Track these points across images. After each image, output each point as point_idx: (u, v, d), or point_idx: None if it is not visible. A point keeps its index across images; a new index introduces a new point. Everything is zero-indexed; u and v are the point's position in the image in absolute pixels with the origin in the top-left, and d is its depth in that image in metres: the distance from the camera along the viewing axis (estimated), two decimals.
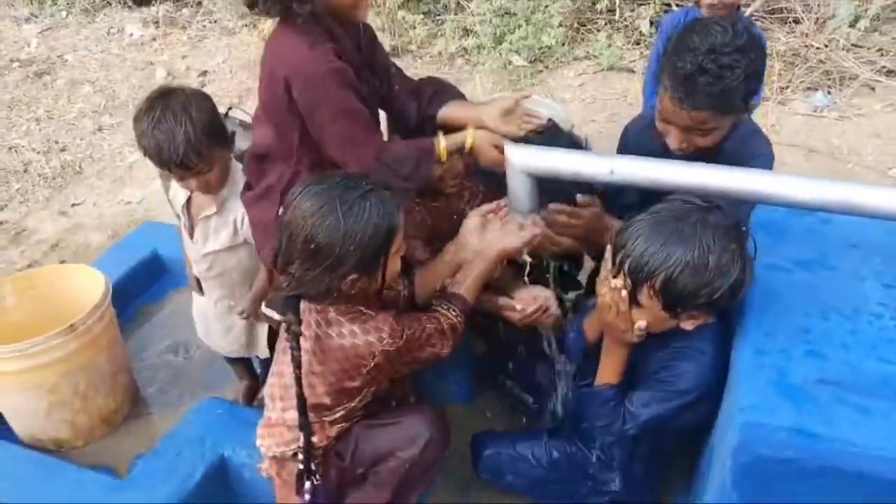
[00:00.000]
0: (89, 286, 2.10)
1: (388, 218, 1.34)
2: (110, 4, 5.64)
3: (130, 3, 5.56)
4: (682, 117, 1.52)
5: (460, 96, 1.77)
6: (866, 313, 1.34)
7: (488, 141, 1.59)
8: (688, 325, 1.36)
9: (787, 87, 3.80)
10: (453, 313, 1.53)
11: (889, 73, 3.81)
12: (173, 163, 1.69)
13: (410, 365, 1.53)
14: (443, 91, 1.76)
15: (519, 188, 1.51)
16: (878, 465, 1.09)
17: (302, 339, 1.43)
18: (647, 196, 1.47)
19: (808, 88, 3.81)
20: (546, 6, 4.26)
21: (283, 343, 1.59)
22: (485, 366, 2.12)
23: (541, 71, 4.16)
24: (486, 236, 1.57)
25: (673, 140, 1.58)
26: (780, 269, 1.47)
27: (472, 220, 1.61)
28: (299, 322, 1.41)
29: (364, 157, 1.55)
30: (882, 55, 3.90)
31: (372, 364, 1.44)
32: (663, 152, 1.64)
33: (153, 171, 3.52)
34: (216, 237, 1.86)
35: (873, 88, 3.79)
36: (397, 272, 1.45)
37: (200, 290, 2.02)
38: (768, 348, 1.27)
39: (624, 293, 1.33)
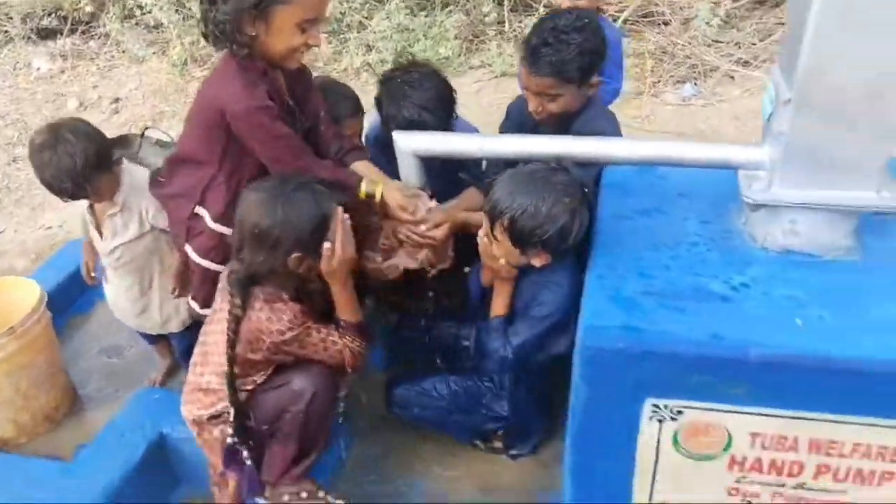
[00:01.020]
0: (23, 297, 2.25)
1: (320, 205, 1.61)
2: (13, 40, 5.65)
3: (34, 38, 5.60)
4: (533, 83, 1.89)
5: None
6: (686, 243, 1.67)
7: (397, 199, 1.81)
8: (536, 262, 1.71)
9: (659, 82, 4.26)
10: (350, 339, 1.76)
11: (745, 63, 4.34)
12: (65, 194, 2.00)
13: (314, 356, 1.74)
14: (361, 149, 2.03)
15: (408, 168, 1.79)
16: (689, 348, 1.41)
17: (227, 315, 1.67)
18: None
19: (678, 81, 4.28)
20: (441, 21, 4.62)
21: (212, 314, 1.82)
22: (398, 336, 2.40)
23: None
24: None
25: (531, 104, 1.95)
26: (623, 217, 1.79)
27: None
28: (242, 306, 1.65)
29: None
30: (738, 48, 4.43)
31: (268, 342, 1.66)
32: (533, 122, 2.01)
33: None
34: (125, 231, 2.11)
35: (733, 77, 4.30)
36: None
37: (91, 277, 2.32)
38: (608, 274, 1.59)
39: (485, 230, 1.66)
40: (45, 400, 2.25)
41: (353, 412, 2.18)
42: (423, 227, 1.84)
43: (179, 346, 2.36)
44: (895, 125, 1.42)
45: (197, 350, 1.82)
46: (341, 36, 4.78)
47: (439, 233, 1.85)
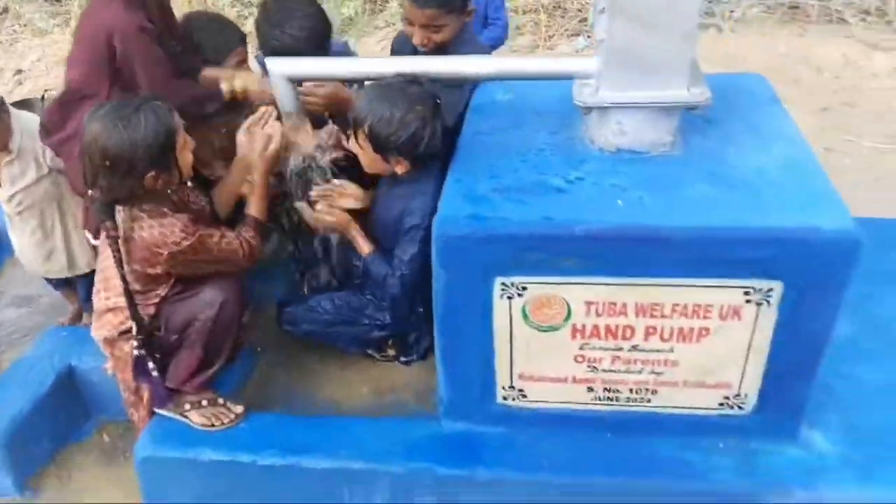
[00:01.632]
0: None
1: (163, 122, 1.70)
2: None
3: None
4: (418, 16, 2.04)
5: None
6: (534, 150, 1.88)
7: (253, 84, 2.02)
8: (399, 169, 1.89)
9: (553, 36, 4.49)
10: (246, 232, 1.91)
11: None
12: None
13: (210, 265, 1.87)
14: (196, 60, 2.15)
15: (282, 93, 1.94)
16: (525, 229, 1.62)
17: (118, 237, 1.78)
18: None
19: (571, 35, 4.53)
20: None
21: (103, 244, 1.93)
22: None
23: (345, 41, 4.61)
24: (248, 148, 1.95)
25: (416, 38, 2.11)
26: (484, 133, 1.99)
27: (239, 137, 1.98)
28: (115, 227, 1.76)
29: (168, 96, 1.88)
30: None
31: (166, 254, 1.76)
32: (415, 54, 2.17)
33: None
34: (22, 177, 2.20)
35: None
36: (190, 162, 1.82)
37: None
38: (464, 178, 1.79)
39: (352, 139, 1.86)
40: None
41: (258, 331, 2.32)
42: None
43: (83, 290, 2.46)
44: (692, 26, 1.65)
45: (97, 277, 1.93)
46: (246, 1, 4.83)
47: (320, 90, 1.99)
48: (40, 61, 4.79)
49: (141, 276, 1.83)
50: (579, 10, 4.58)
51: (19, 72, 4.68)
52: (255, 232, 1.93)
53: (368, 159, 1.92)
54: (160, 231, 1.76)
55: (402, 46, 2.37)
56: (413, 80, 1.84)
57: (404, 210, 1.97)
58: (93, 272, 2.32)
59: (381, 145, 1.86)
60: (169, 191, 1.82)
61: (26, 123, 2.17)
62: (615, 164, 1.79)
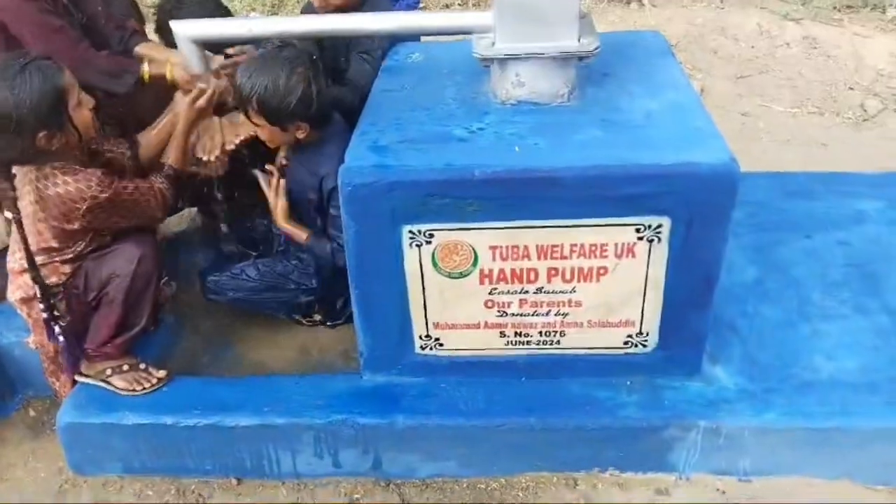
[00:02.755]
0: None
1: (50, 80, 1.67)
2: None
3: None
4: None
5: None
6: (441, 105, 1.94)
7: (182, 76, 1.97)
8: (300, 135, 1.93)
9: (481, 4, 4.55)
10: (160, 180, 1.92)
11: None
12: None
13: (127, 217, 1.87)
14: (142, 33, 2.18)
15: (189, 54, 1.95)
16: (427, 175, 1.68)
17: (26, 195, 1.78)
18: None
19: None
20: None
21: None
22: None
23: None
24: (185, 99, 1.97)
25: (316, 4, 2.16)
26: (391, 91, 2.04)
27: (177, 93, 2.01)
28: (13, 188, 1.75)
29: (80, 70, 1.84)
30: None
31: (84, 208, 1.76)
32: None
33: None
34: None
35: None
36: (88, 123, 1.79)
37: None
38: (370, 130, 1.84)
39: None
40: None
41: (181, 300, 2.34)
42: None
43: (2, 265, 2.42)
44: None
45: (10, 240, 1.92)
46: None
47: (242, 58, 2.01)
48: None
49: (58, 233, 1.82)
50: None
51: None
52: (169, 182, 1.94)
53: (268, 133, 1.95)
54: (76, 186, 1.76)
55: (309, 9, 2.39)
56: (284, 43, 1.88)
57: (318, 177, 2.00)
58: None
59: (274, 116, 1.89)
60: (77, 152, 1.81)
61: None
62: (515, 114, 1.86)
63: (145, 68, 1.98)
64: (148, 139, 2.03)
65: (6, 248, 2.34)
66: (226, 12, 2.35)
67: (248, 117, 1.93)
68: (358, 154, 1.74)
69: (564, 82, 1.88)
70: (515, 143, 1.74)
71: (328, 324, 2.34)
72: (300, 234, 2.08)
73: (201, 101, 1.98)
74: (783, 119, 3.71)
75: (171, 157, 1.99)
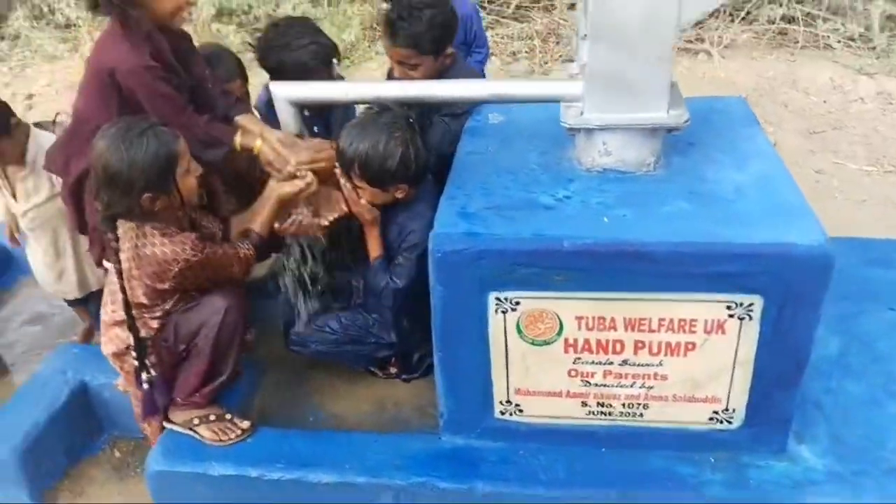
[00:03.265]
0: None
1: (165, 146, 1.78)
2: None
3: None
4: (393, 53, 2.18)
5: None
6: (526, 170, 1.97)
7: (267, 155, 2.03)
8: (399, 195, 1.99)
9: (548, 62, 4.62)
10: (245, 245, 2.00)
11: None
12: None
13: (212, 280, 1.96)
14: (245, 103, 2.30)
15: (286, 115, 2.03)
16: (516, 245, 1.70)
17: (125, 251, 1.87)
18: None
19: (565, 60, 4.65)
20: (345, 10, 4.87)
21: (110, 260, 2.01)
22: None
23: (348, 66, 4.74)
24: (276, 183, 2.05)
25: (396, 72, 2.24)
26: (477, 153, 2.08)
27: (271, 181, 2.05)
28: (117, 239, 1.85)
29: (183, 136, 1.95)
30: None
31: (177, 270, 1.86)
32: None
33: None
34: (36, 193, 2.29)
35: None
36: (193, 189, 1.90)
37: (16, 240, 2.45)
38: (457, 194, 1.87)
39: (344, 181, 1.95)
40: None
41: (263, 351, 2.40)
42: (305, 154, 2.02)
43: (95, 308, 2.53)
44: (668, 51, 1.74)
45: (105, 291, 2.02)
46: (250, 27, 4.97)
47: (322, 155, 2.05)
48: (50, 86, 4.93)
49: (149, 291, 1.91)
50: (572, 37, 4.71)
51: (30, 96, 4.81)
52: (255, 247, 2.02)
53: (370, 195, 2.01)
54: (171, 248, 1.85)
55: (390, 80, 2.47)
56: (382, 108, 1.95)
57: (402, 230, 2.06)
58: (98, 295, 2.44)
59: (376, 179, 1.96)
60: (179, 214, 1.90)
61: (44, 141, 2.26)
62: (601, 182, 1.87)
63: (237, 139, 2.06)
64: (242, 222, 2.09)
65: (96, 294, 2.48)
66: (331, 50, 2.40)
67: (350, 180, 2.00)
68: (447, 220, 1.78)
69: (651, 152, 1.89)
70: (603, 213, 1.76)
71: (404, 377, 2.37)
72: (377, 248, 2.12)
73: (291, 191, 2.02)
74: (858, 177, 3.63)
75: (257, 226, 2.05)
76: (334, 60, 2.41)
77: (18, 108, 4.61)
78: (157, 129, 1.79)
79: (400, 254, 2.11)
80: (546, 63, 4.58)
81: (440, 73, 2.30)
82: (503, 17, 4.90)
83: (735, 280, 1.66)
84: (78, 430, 2.31)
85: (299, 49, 2.30)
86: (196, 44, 2.22)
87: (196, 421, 2.04)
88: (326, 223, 2.15)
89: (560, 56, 4.64)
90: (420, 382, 2.37)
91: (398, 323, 2.21)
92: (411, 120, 1.96)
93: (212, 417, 2.05)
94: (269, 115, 2.41)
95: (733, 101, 2.30)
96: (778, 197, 1.78)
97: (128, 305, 1.87)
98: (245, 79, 2.50)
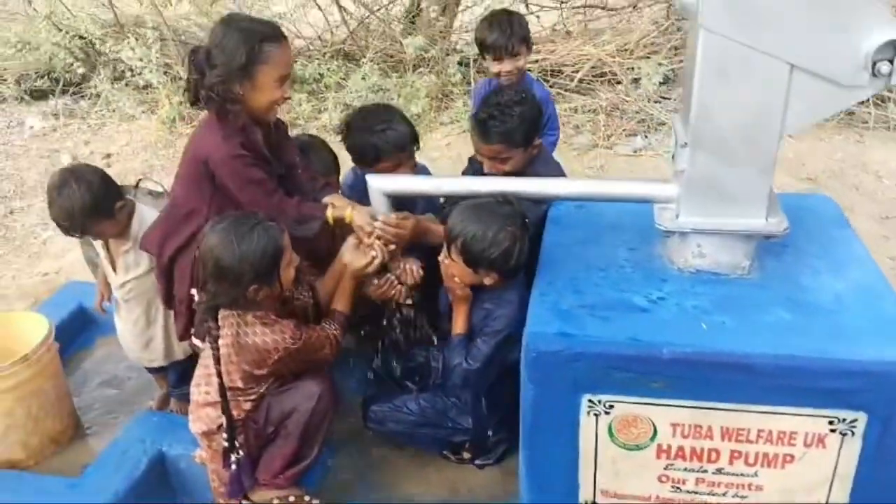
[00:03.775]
0: (32, 329, 2.46)
1: (272, 242, 1.86)
2: (6, 100, 5.96)
3: (27, 98, 5.91)
4: (485, 149, 2.26)
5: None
6: (615, 266, 1.98)
7: (360, 220, 2.11)
8: (487, 281, 2.02)
9: (612, 136, 4.66)
10: (334, 328, 2.07)
11: None
12: (66, 231, 2.29)
13: (306, 363, 2.03)
14: (333, 185, 2.42)
15: (378, 205, 2.09)
16: (613, 349, 1.70)
17: (221, 338, 1.92)
18: None
19: (629, 135, 4.69)
20: (413, 81, 5.01)
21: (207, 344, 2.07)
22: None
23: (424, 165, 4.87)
24: (347, 259, 2.12)
25: (486, 167, 2.31)
26: (563, 246, 2.10)
27: (348, 242, 2.16)
28: (217, 328, 1.91)
29: (274, 217, 2.02)
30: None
31: (276, 357, 1.93)
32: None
33: (66, 244, 3.93)
34: (136, 266, 2.36)
35: None
36: (291, 280, 1.98)
37: (102, 309, 2.55)
38: (549, 291, 1.88)
39: (443, 256, 2.00)
40: (53, 424, 2.45)
41: (337, 427, 2.40)
42: (393, 218, 2.09)
43: (174, 377, 2.59)
44: (770, 161, 1.75)
45: (199, 371, 2.07)
46: (320, 95, 5.15)
47: (407, 223, 2.13)
48: (128, 146, 5.15)
49: (245, 376, 1.96)
50: (637, 112, 4.76)
51: (108, 156, 5.03)
52: (341, 327, 2.08)
53: (460, 270, 2.04)
54: (272, 338, 1.91)
55: (476, 168, 2.51)
56: (505, 199, 1.98)
57: (488, 315, 2.09)
58: (184, 361, 2.50)
59: (473, 260, 1.99)
60: (279, 299, 1.96)
61: (148, 217, 2.35)
62: (695, 284, 1.87)
63: (329, 213, 2.13)
64: (325, 287, 2.18)
65: (176, 362, 2.54)
66: (406, 136, 2.47)
67: (449, 251, 2.04)
68: (541, 319, 1.79)
69: (745, 255, 1.88)
70: (700, 318, 1.74)
71: (478, 463, 2.35)
72: (462, 326, 2.13)
73: (362, 265, 2.10)
74: None
75: (340, 305, 2.12)
76: (412, 146, 2.49)
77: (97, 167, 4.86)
78: (266, 224, 1.86)
79: (479, 336, 2.13)
80: (610, 136, 4.62)
81: (528, 163, 2.35)
82: (566, 91, 4.98)
83: (839, 396, 1.62)
84: (154, 498, 2.32)
85: (376, 133, 2.40)
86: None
87: (276, 502, 2.05)
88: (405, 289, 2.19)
89: (624, 130, 4.68)
90: (493, 469, 2.35)
91: (476, 408, 2.21)
92: (526, 220, 2.00)
93: (291, 499, 2.06)
94: (352, 197, 2.49)
95: (821, 199, 2.28)
96: (880, 309, 1.74)
97: (223, 389, 1.91)
98: (337, 171, 2.59)
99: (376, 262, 2.10)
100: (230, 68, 1.92)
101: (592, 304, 1.82)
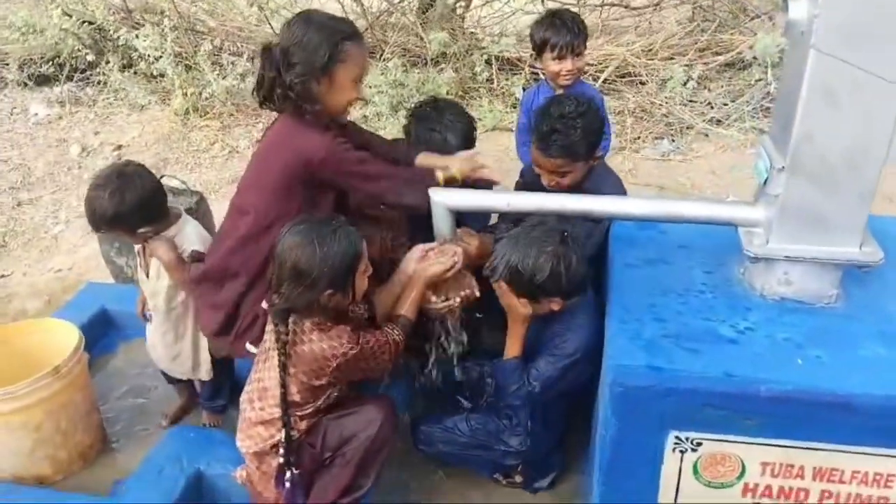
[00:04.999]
0: (61, 339, 2.32)
1: (352, 247, 1.77)
2: (7, 85, 5.76)
3: (31, 84, 5.71)
4: (546, 163, 2.16)
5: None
6: (694, 291, 1.88)
7: (468, 169, 2.08)
8: (554, 307, 1.94)
9: (639, 138, 4.56)
10: (396, 332, 1.94)
11: (717, 122, 4.67)
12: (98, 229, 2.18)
13: (364, 371, 1.91)
14: (409, 148, 2.31)
15: (441, 220, 1.98)
16: (706, 385, 1.61)
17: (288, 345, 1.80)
18: None
19: (656, 138, 4.59)
20: (434, 78, 4.88)
21: (262, 354, 1.95)
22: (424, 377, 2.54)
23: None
24: (421, 265, 2.02)
25: (545, 180, 2.21)
26: (632, 266, 2.00)
27: (414, 252, 2.05)
28: (287, 332, 1.80)
29: (389, 186, 1.98)
30: (711, 108, 4.77)
31: (334, 365, 1.81)
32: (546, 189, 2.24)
33: (79, 239, 3.77)
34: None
35: (706, 135, 4.62)
36: (364, 288, 1.86)
37: (146, 317, 2.40)
38: (628, 319, 1.78)
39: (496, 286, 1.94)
40: (81, 438, 2.33)
41: None
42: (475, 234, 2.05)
43: (207, 391, 2.46)
44: (871, 188, 1.66)
45: (251, 388, 1.94)
46: None
47: (475, 241, 2.07)
48: (140, 137, 4.97)
49: (304, 388, 1.85)
50: (664, 116, 4.66)
51: (119, 147, 4.85)
52: (403, 332, 1.97)
53: (512, 300, 1.97)
54: (329, 344, 1.80)
55: (531, 175, 2.42)
56: (539, 221, 1.91)
57: (559, 338, 2.00)
58: (218, 374, 2.37)
59: (525, 291, 1.91)
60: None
61: (189, 229, 2.22)
62: (781, 314, 1.78)
63: (439, 174, 2.03)
64: (383, 301, 2.06)
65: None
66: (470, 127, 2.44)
67: (500, 287, 1.95)
68: (625, 350, 1.69)
69: (832, 284, 1.79)
70: (793, 352, 1.66)
71: (529, 487, 2.26)
72: (517, 348, 2.04)
73: (439, 271, 2.01)
74: None
75: (406, 310, 2.01)
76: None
77: (108, 159, 4.68)
78: (346, 228, 1.77)
79: (544, 357, 2.02)
80: (637, 139, 4.52)
81: (587, 174, 2.25)
82: None
83: None
84: None
85: (445, 130, 2.38)
86: None
87: None
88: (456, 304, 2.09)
89: (651, 133, 4.59)
90: (545, 494, 2.27)
91: (531, 430, 2.11)
92: (566, 234, 1.90)
93: None
94: None
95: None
96: None
97: (286, 399, 1.81)
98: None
99: (458, 266, 2.01)
100: (311, 67, 1.84)
101: (677, 333, 1.73)
